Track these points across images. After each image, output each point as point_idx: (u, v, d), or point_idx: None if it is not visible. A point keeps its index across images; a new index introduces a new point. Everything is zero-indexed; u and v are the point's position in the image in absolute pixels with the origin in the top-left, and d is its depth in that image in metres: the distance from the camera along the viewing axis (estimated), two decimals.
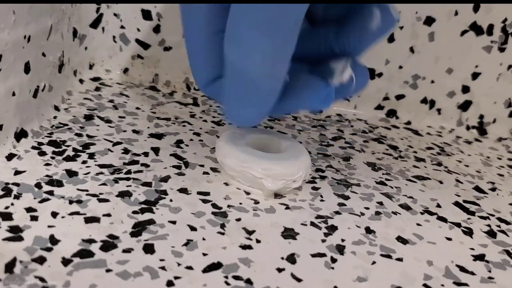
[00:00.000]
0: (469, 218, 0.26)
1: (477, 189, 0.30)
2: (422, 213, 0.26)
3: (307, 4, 0.21)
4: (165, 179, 0.25)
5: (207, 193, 0.24)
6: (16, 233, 0.19)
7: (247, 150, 0.25)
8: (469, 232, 0.25)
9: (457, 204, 0.28)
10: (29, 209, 0.21)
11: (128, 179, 0.24)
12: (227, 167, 0.25)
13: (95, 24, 0.36)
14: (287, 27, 0.21)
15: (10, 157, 0.24)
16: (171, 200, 0.23)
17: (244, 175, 0.24)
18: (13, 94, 0.24)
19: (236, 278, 0.19)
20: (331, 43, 0.25)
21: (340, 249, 0.22)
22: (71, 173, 0.24)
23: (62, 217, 0.20)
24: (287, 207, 0.24)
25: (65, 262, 0.18)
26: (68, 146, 0.26)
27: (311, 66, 0.26)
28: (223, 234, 0.21)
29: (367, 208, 0.25)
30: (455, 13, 0.37)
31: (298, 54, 0.25)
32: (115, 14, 0.36)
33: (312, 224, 0.23)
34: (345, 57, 0.25)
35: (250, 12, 0.21)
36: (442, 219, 0.26)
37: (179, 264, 0.19)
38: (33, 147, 0.25)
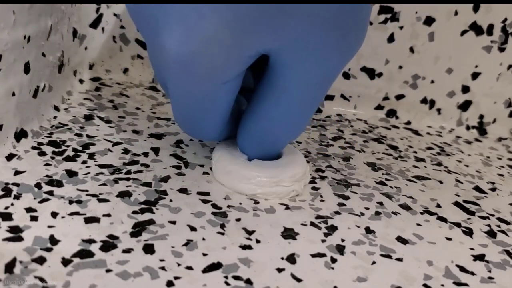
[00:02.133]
0: (469, 218, 0.26)
1: (477, 189, 0.30)
2: (422, 213, 0.26)
3: None
4: (165, 179, 0.25)
5: (207, 193, 0.24)
6: (16, 233, 0.19)
7: (250, 167, 0.25)
8: (469, 232, 0.25)
9: (457, 204, 0.28)
10: (29, 209, 0.21)
11: (128, 179, 0.24)
12: (241, 191, 0.25)
13: (95, 24, 0.36)
14: None
15: (10, 157, 0.24)
16: (171, 200, 0.23)
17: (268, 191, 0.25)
18: (13, 94, 0.24)
19: (236, 278, 0.19)
20: None
21: (340, 249, 0.22)
22: (71, 173, 0.24)
23: (62, 217, 0.20)
24: (287, 207, 0.24)
25: (65, 262, 0.18)
26: (68, 146, 0.26)
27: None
28: (223, 234, 0.21)
29: (367, 208, 0.25)
30: (455, 13, 0.37)
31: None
32: (115, 14, 0.36)
33: (312, 224, 0.23)
34: None
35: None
36: (442, 219, 0.26)
37: (179, 264, 0.19)
38: (33, 147, 0.25)
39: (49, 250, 0.19)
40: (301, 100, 0.23)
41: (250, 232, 0.22)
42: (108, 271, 0.18)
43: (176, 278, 0.18)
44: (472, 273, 0.22)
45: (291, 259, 0.21)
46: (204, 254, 0.20)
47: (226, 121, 0.24)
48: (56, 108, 0.30)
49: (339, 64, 0.22)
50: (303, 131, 0.25)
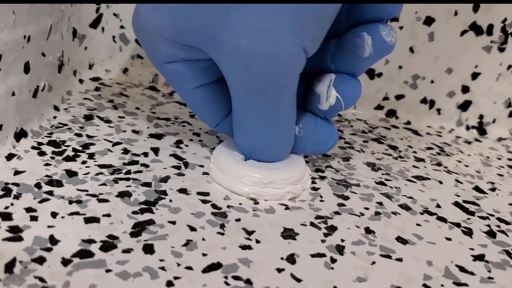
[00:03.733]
0: (468, 218, 0.26)
1: (477, 189, 0.30)
2: (421, 213, 0.26)
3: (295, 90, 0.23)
4: (165, 179, 0.25)
5: (207, 194, 0.24)
6: (16, 233, 0.19)
7: (242, 166, 0.25)
8: (468, 232, 0.25)
9: (456, 204, 0.28)
10: (28, 209, 0.21)
11: (127, 179, 0.24)
12: (233, 189, 0.25)
13: (94, 24, 0.36)
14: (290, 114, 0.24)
15: (9, 157, 0.24)
16: (170, 201, 0.23)
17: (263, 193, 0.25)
18: (13, 94, 0.24)
19: (236, 278, 0.19)
20: (327, 63, 0.25)
21: (340, 249, 0.22)
22: (70, 173, 0.24)
23: (62, 217, 0.20)
24: (287, 208, 0.24)
25: (65, 262, 0.18)
26: (67, 146, 0.26)
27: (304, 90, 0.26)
28: (222, 234, 0.21)
29: (367, 208, 0.25)
30: (454, 13, 0.37)
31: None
32: (114, 14, 0.36)
33: (312, 224, 0.23)
34: (329, 76, 0.25)
35: (256, 105, 0.23)
36: (442, 219, 0.26)
37: (178, 265, 0.19)
38: (33, 147, 0.25)
39: (49, 250, 0.19)
40: (241, 106, 0.23)
41: (249, 232, 0.22)
42: (108, 271, 0.18)
43: (176, 278, 0.18)
44: (472, 273, 0.22)
45: (291, 259, 0.21)
46: (204, 254, 0.20)
47: (202, 108, 0.26)
48: (56, 108, 0.30)
49: (272, 77, 0.22)
50: (281, 143, 0.25)
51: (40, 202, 0.21)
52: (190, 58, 0.24)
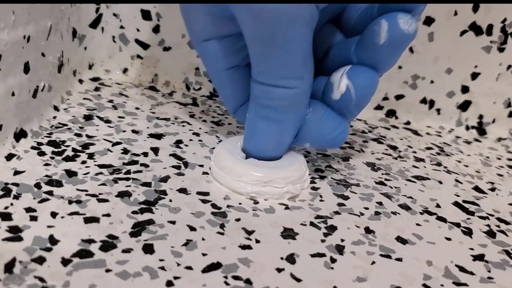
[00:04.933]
0: (468, 218, 0.26)
1: (477, 189, 0.30)
2: (421, 213, 0.26)
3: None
4: (165, 179, 0.25)
5: (207, 193, 0.24)
6: (15, 233, 0.19)
7: (242, 164, 0.25)
8: (468, 232, 0.25)
9: (456, 204, 0.28)
10: (28, 209, 0.21)
11: (127, 179, 0.24)
12: (233, 188, 0.25)
13: (94, 24, 0.36)
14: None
15: (9, 157, 0.24)
16: (170, 200, 0.23)
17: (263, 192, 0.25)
18: (13, 94, 0.24)
19: (236, 278, 0.19)
20: (350, 54, 0.25)
21: (340, 249, 0.22)
22: (70, 173, 0.24)
23: (62, 217, 0.20)
24: (287, 207, 0.24)
25: (65, 262, 0.18)
26: (67, 146, 0.26)
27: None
28: (222, 234, 0.21)
29: (367, 208, 0.25)
30: (454, 13, 0.37)
31: (323, 67, 0.27)
32: (114, 14, 0.36)
33: (312, 224, 0.23)
34: (345, 67, 0.25)
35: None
36: (442, 219, 0.26)
37: (178, 264, 0.19)
38: (33, 147, 0.25)
39: (48, 250, 0.19)
40: (253, 60, 0.24)
41: (249, 232, 0.22)
42: (107, 271, 0.18)
43: (175, 278, 0.18)
44: (472, 273, 0.22)
45: (291, 259, 0.21)
46: (204, 254, 0.20)
47: (226, 90, 0.27)
48: (56, 108, 0.30)
49: (277, 24, 0.22)
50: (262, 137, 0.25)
51: (40, 202, 0.21)
52: (224, 33, 0.25)
